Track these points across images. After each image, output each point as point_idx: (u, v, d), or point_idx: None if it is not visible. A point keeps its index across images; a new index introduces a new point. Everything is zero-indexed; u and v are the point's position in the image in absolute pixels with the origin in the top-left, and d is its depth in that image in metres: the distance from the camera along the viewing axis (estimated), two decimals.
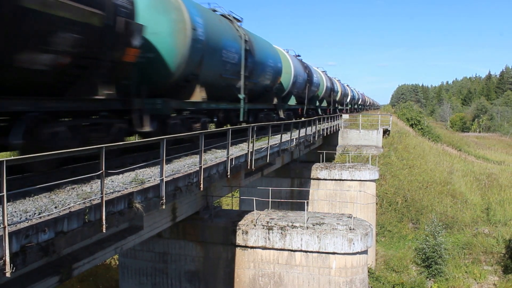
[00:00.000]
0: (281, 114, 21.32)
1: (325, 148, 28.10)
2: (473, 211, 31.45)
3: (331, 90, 38.89)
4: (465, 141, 69.13)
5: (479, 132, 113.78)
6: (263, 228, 12.14)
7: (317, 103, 32.75)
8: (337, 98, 44.50)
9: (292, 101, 24.22)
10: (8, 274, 4.54)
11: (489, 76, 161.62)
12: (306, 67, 27.61)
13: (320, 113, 32.52)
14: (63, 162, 7.75)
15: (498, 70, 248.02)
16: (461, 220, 30.15)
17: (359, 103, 76.06)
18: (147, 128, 9.50)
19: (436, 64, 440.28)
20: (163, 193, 7.55)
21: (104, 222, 6.01)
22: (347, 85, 59.94)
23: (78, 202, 5.87)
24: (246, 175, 14.48)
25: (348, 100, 55.43)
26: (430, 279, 24.74)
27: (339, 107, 47.70)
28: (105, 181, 6.11)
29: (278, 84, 21.29)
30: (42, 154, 5.28)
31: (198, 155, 9.07)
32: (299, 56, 28.66)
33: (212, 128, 15.07)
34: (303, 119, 22.03)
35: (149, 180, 7.62)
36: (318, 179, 24.89)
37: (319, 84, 31.29)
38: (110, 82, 8.29)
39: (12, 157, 4.76)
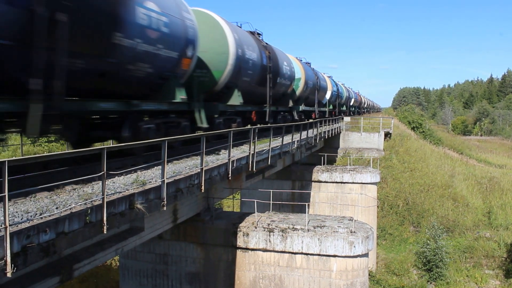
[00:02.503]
0: None
1: (327, 151, 28.08)
2: (475, 214, 31.37)
3: (271, 73, 18.44)
4: (467, 144, 69.09)
5: (481, 135, 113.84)
6: (264, 230, 12.14)
7: (196, 95, 12.85)
8: (298, 92, 25.09)
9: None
10: (9, 274, 4.55)
11: (491, 80, 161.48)
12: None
13: (219, 125, 14.39)
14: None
15: (500, 73, 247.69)
16: (462, 223, 30.08)
17: (351, 104, 57.28)
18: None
19: (437, 67, 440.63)
20: (164, 195, 7.55)
21: (105, 223, 6.01)
22: (329, 76, 41.47)
23: (79, 203, 5.88)
24: (247, 177, 14.49)
25: (328, 97, 36.62)
26: (431, 283, 24.67)
27: (303, 107, 26.34)
28: (106, 182, 6.11)
29: None
30: (45, 154, 5.30)
31: (200, 156, 9.08)
32: None
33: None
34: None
35: (150, 182, 7.63)
36: (319, 181, 24.87)
37: (193, 48, 12.36)
38: None
39: (14, 158, 4.76)
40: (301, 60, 27.99)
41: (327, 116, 33.88)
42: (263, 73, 17.83)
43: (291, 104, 23.73)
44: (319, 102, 32.37)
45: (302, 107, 26.26)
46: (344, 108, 51.05)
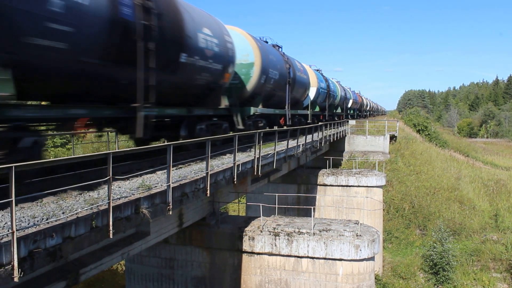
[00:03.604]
0: None
1: (332, 154, 28.02)
2: (481, 217, 31.18)
3: (152, 40, 8.65)
4: (473, 147, 68.80)
5: (487, 137, 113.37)
6: (270, 234, 12.12)
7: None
8: (249, 87, 16.42)
9: None
10: (16, 279, 4.57)
11: (496, 81, 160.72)
12: None
13: None
14: None
15: (506, 75, 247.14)
16: (469, 226, 29.90)
17: (348, 106, 47.74)
18: None
19: (443, 70, 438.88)
20: (170, 199, 7.56)
21: (111, 227, 6.02)
22: (317, 70, 32.09)
23: (86, 208, 5.89)
24: (252, 181, 14.47)
25: (312, 96, 27.03)
26: (438, 286, 24.52)
27: (260, 109, 16.70)
28: (112, 187, 6.13)
29: None
30: (48, 160, 5.34)
31: (205, 161, 9.08)
32: None
33: None
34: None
35: (156, 186, 7.63)
36: (325, 185, 24.81)
37: None
38: None
39: (20, 163, 4.79)
40: (266, 42, 19.72)
41: (309, 121, 25.48)
42: (111, 38, 7.82)
43: (225, 104, 13.65)
44: (297, 102, 23.51)
45: (258, 109, 16.50)
46: (339, 110, 41.04)
